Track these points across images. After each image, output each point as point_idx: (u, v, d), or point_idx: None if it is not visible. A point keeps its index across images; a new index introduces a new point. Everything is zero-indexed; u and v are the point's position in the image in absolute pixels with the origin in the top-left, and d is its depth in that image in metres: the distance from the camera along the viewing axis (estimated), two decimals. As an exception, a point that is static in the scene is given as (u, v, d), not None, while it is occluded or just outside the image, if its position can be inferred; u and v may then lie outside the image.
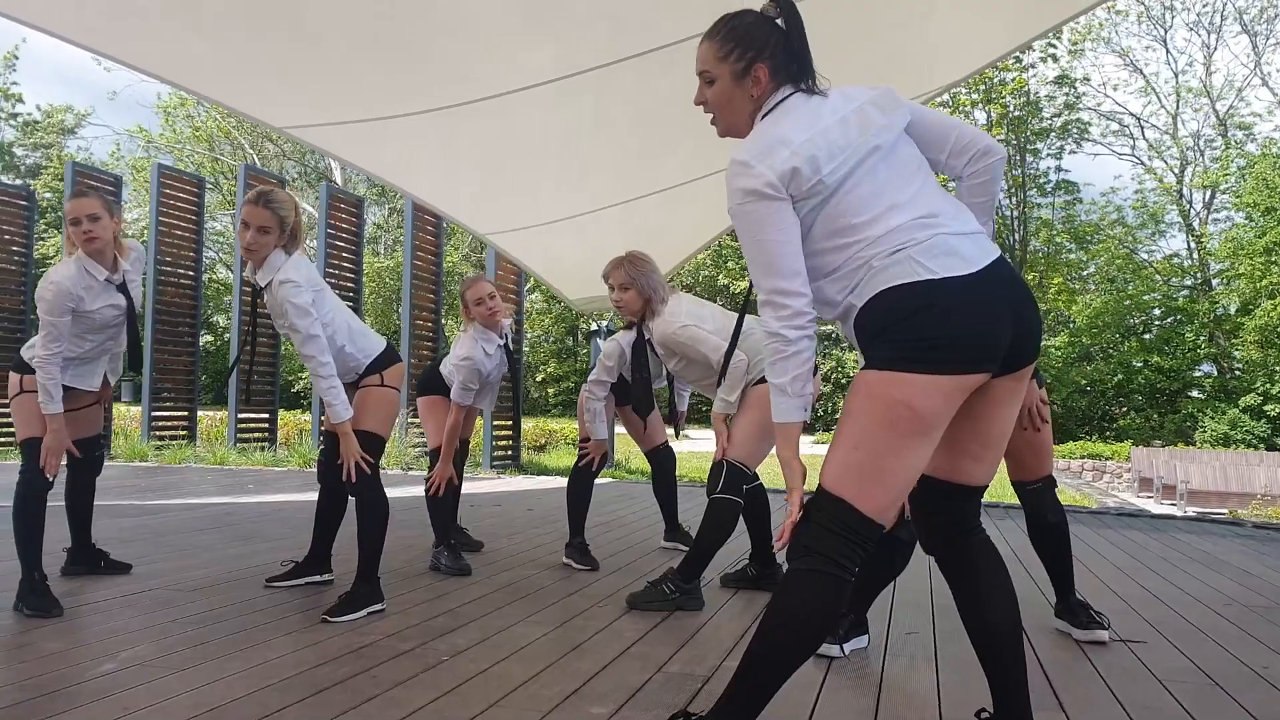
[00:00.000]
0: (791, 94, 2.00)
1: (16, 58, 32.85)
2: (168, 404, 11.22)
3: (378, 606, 3.39)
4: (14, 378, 3.48)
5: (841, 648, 3.00)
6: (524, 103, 6.37)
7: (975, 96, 28.43)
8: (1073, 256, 30.36)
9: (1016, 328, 1.89)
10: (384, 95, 6.38)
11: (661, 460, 4.96)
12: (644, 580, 3.90)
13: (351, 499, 3.49)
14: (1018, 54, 28.04)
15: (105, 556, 3.95)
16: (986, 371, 1.88)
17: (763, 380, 3.67)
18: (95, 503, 3.94)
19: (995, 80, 28.11)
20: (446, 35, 5.65)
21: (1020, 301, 1.91)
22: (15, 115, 33.44)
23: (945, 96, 28.30)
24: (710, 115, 2.10)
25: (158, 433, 10.84)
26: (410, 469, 10.00)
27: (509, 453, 11.00)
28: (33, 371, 3.37)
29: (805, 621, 1.88)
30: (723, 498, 3.59)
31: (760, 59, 2.00)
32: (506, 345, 4.44)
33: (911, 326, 1.83)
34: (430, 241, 11.05)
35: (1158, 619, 3.67)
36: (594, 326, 11.07)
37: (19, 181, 31.53)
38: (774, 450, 2.13)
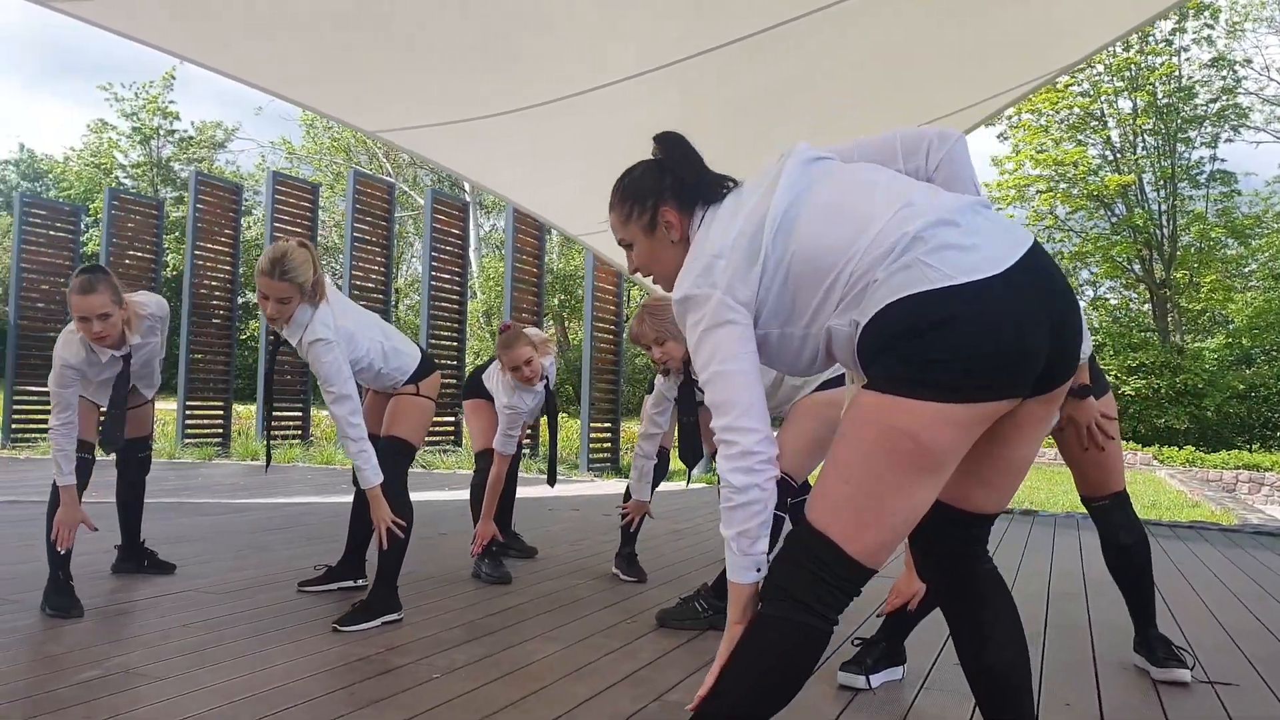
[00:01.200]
0: (704, 213, 1.82)
1: (174, 78, 35.01)
2: (282, 408, 11.61)
3: (393, 616, 3.28)
4: None
5: (868, 679, 2.72)
6: (608, 100, 6.24)
7: (1119, 84, 26.80)
8: (1231, 252, 28.22)
9: (1054, 341, 1.57)
10: (473, 96, 6.36)
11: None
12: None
13: None
14: (1168, 38, 26.31)
15: (152, 556, 3.99)
16: (1014, 398, 1.58)
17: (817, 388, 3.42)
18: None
19: (1142, 66, 26.42)
20: (532, 33, 5.56)
21: (1059, 308, 1.58)
22: (173, 132, 35.65)
23: (1086, 86, 26.79)
24: (650, 277, 1.93)
25: (271, 433, 11.22)
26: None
27: (607, 455, 10.90)
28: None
29: (770, 675, 1.63)
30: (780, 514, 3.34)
31: (661, 202, 1.84)
32: (547, 385, 4.27)
33: (921, 345, 1.54)
34: (532, 244, 11.06)
35: (1262, 656, 3.21)
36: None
37: (175, 194, 33.61)
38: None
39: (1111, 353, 23.92)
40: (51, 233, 11.35)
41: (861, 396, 1.63)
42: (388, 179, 12.73)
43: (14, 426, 10.92)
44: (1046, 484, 11.48)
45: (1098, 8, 5.31)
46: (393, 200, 11.98)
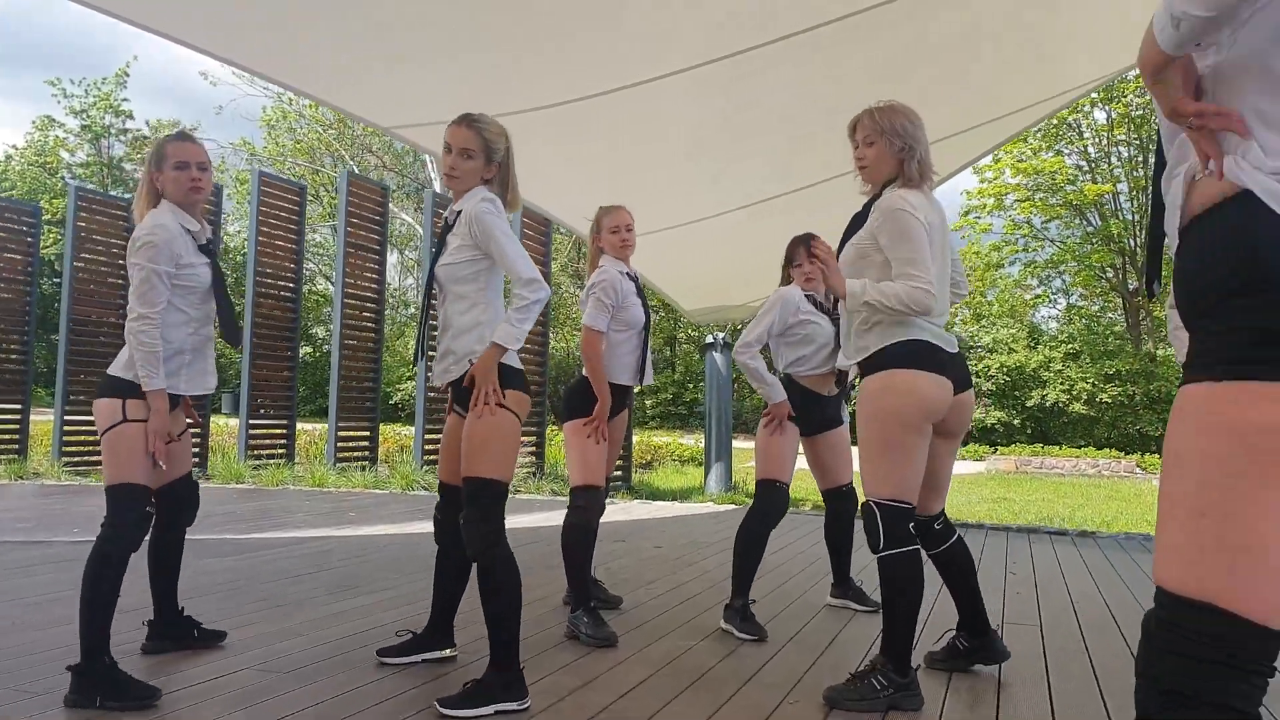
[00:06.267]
0: None
1: (128, 75, 33.73)
2: (266, 419, 10.82)
3: (513, 706, 2.66)
4: (110, 405, 2.82)
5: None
6: (652, 95, 5.72)
7: (1095, 95, 26.82)
8: (1201, 261, 28.39)
9: None
10: (500, 91, 5.81)
11: (839, 504, 4.19)
12: (823, 657, 3.13)
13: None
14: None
15: (197, 626, 3.27)
16: None
17: (880, 367, 2.82)
18: (191, 537, 3.33)
19: (1117, 79, 26.49)
20: (569, 26, 5.04)
21: None
22: (125, 131, 34.29)
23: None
24: None
25: (255, 450, 10.41)
26: (518, 491, 9.36)
27: (619, 473, 10.29)
28: (138, 395, 2.79)
29: None
30: (890, 554, 2.79)
31: None
32: (635, 279, 3.92)
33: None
34: (538, 250, 10.43)
35: None
36: (709, 339, 10.32)
37: (128, 196, 32.38)
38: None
39: (1088, 360, 23.89)
40: (7, 233, 10.47)
41: (1185, 394, 1.22)
42: (381, 183, 12.00)
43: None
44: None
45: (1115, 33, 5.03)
46: (386, 203, 11.26)
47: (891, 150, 2.88)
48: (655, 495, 9.69)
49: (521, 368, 2.87)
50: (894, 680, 2.82)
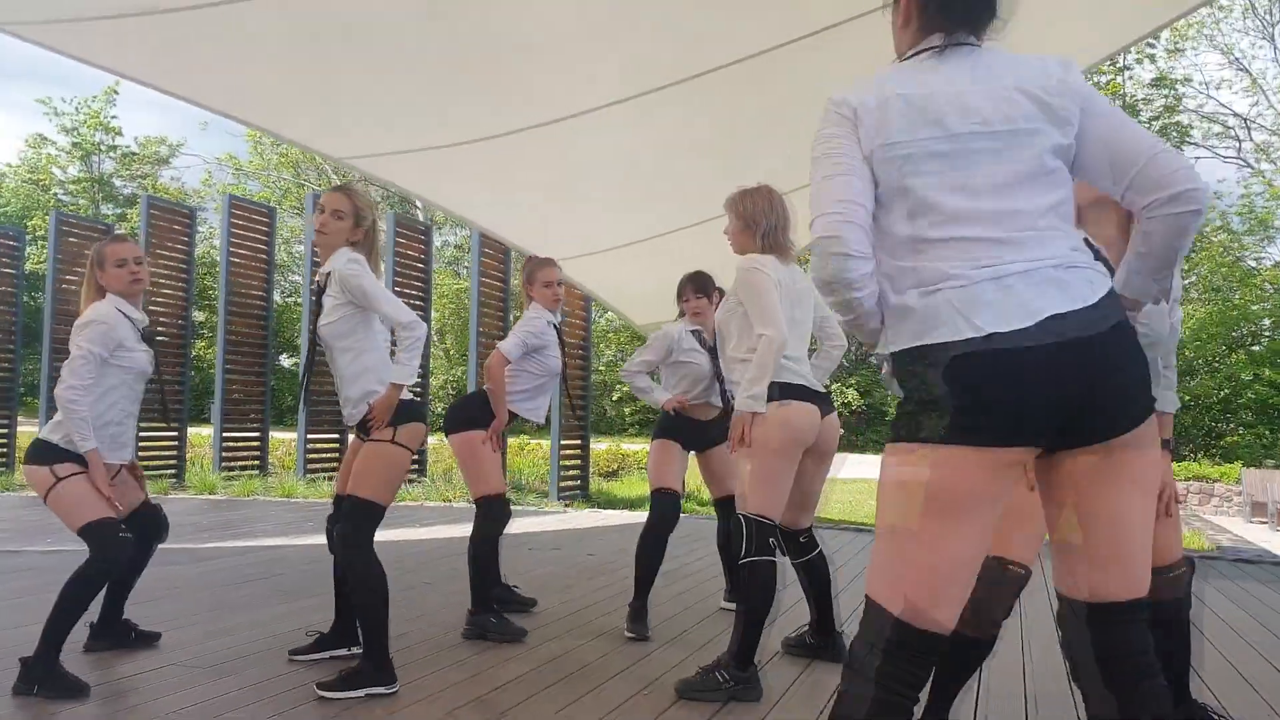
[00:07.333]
0: (937, 47, 1.71)
1: (117, 92, 34.09)
2: (239, 431, 11.23)
3: (381, 690, 3.09)
4: (39, 473, 3.23)
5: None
6: (590, 126, 6.12)
7: (1066, 101, 27.26)
8: (1173, 265, 28.77)
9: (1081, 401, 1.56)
10: (449, 123, 6.21)
11: (731, 511, 4.59)
12: (696, 655, 3.54)
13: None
14: (1112, 58, 26.86)
15: (135, 628, 3.69)
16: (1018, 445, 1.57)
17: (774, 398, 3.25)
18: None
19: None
20: (515, 60, 5.44)
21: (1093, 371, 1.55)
22: (114, 148, 34.66)
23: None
24: None
25: (228, 461, 10.84)
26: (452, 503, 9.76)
27: (577, 482, 10.71)
28: (68, 457, 3.21)
29: None
30: (751, 561, 3.21)
31: None
32: (559, 331, 4.29)
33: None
34: (497, 267, 10.85)
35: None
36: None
37: (118, 211, 32.74)
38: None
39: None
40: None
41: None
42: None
43: None
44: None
45: (1071, 38, 5.27)
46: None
47: (742, 227, 3.40)
48: (612, 504, 10.11)
49: (412, 398, 3.32)
50: (735, 674, 3.22)
